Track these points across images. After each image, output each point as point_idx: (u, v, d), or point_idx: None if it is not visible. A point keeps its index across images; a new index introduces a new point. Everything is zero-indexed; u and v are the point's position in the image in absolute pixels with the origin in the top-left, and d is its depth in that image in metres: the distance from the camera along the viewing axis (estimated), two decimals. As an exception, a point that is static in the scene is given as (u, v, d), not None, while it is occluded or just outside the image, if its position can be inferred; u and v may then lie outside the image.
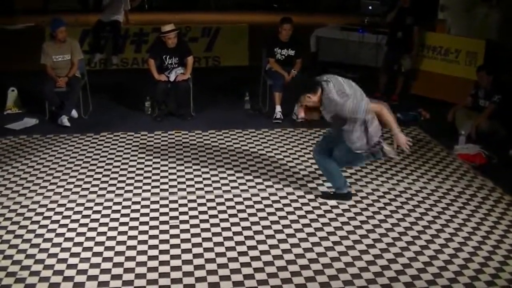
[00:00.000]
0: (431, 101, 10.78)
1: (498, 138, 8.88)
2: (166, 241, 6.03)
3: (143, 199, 6.98)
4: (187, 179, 7.55)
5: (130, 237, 6.09)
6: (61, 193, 7.10)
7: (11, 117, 9.84)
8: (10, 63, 12.44)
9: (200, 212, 6.65)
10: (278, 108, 9.89)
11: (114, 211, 6.65)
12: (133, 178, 7.57)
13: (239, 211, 6.71)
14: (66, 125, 9.37)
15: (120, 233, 6.18)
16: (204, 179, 7.57)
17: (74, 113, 9.80)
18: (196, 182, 7.46)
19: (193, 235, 6.14)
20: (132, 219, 6.48)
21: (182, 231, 6.23)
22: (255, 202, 6.92)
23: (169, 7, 18.57)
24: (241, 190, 7.25)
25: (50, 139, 8.88)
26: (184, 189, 7.25)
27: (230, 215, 6.59)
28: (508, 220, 6.65)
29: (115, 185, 7.36)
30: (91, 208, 6.71)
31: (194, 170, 7.84)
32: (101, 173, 7.71)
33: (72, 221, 6.40)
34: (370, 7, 13.65)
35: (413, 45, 11.08)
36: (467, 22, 12.27)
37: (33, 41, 11.65)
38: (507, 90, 9.27)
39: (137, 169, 7.86)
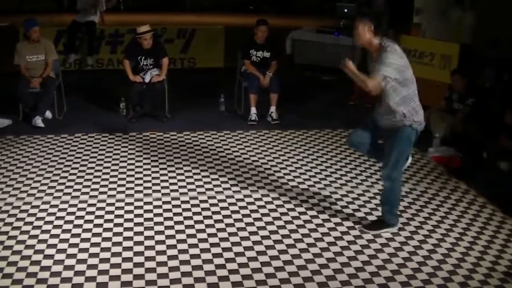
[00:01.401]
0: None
1: (472, 140, 8.94)
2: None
3: (117, 200, 6.94)
4: (161, 181, 7.52)
5: (104, 239, 6.05)
6: (34, 194, 7.04)
7: (-16, 118, 9.76)
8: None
9: (175, 214, 6.63)
10: (253, 110, 9.89)
11: (88, 213, 6.60)
12: (107, 179, 7.53)
13: (213, 212, 6.70)
14: (40, 126, 9.30)
15: (94, 234, 6.13)
16: (179, 180, 7.55)
17: (48, 114, 9.74)
18: (170, 184, 7.43)
19: (168, 237, 6.13)
20: (106, 220, 6.43)
21: (157, 232, 6.21)
22: (230, 204, 6.92)
23: (144, 8, 18.56)
24: (216, 192, 7.24)
25: (23, 140, 8.81)
26: (159, 191, 7.23)
27: (205, 217, 6.57)
28: (481, 222, 6.70)
29: (89, 186, 7.31)
30: (65, 209, 6.66)
31: (169, 171, 7.82)
32: (75, 174, 7.66)
33: (46, 222, 6.35)
34: (345, 10, 13.69)
35: None
36: (442, 25, 12.36)
37: (6, 42, 11.56)
38: (481, 93, 9.35)
39: (112, 170, 7.82)
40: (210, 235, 6.20)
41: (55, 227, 6.27)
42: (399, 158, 6.05)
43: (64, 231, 6.19)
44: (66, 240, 5.99)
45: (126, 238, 6.07)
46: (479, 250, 6.08)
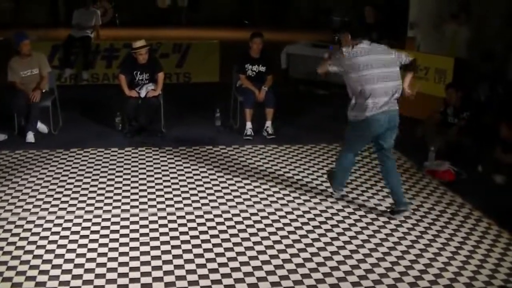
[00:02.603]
0: (400, 118, 10.83)
1: (467, 154, 8.96)
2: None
3: (113, 216, 6.92)
4: (157, 196, 7.51)
5: (100, 254, 6.03)
6: (30, 209, 7.01)
7: (-21, 133, 9.74)
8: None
9: (171, 229, 6.61)
10: (249, 125, 9.89)
11: (83, 228, 6.58)
12: (103, 195, 7.51)
13: (209, 227, 6.68)
14: (31, 141, 9.27)
15: (89, 250, 6.11)
16: (174, 195, 7.53)
17: (44, 128, 9.71)
18: (166, 199, 7.42)
19: (164, 252, 6.11)
20: (102, 236, 6.41)
21: (152, 247, 6.19)
22: (225, 219, 6.91)
23: (140, 23, 18.60)
24: (212, 207, 7.22)
25: (19, 155, 8.79)
26: (155, 206, 7.21)
27: (201, 232, 6.56)
28: (477, 235, 6.70)
29: (84, 201, 7.29)
30: (60, 225, 6.64)
31: (165, 186, 7.81)
32: (70, 189, 7.64)
33: (42, 237, 6.32)
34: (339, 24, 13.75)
35: None
36: (437, 39, 12.42)
37: (1, 56, 11.55)
38: (476, 107, 9.38)
39: (107, 185, 7.80)
40: (205, 250, 6.18)
41: (50, 242, 6.23)
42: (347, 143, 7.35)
43: (59, 246, 6.15)
44: (61, 256, 5.96)
45: (122, 253, 6.04)
46: (476, 264, 6.07)
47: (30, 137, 9.31)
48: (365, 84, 6.73)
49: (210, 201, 7.41)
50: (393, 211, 7.10)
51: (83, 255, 6.00)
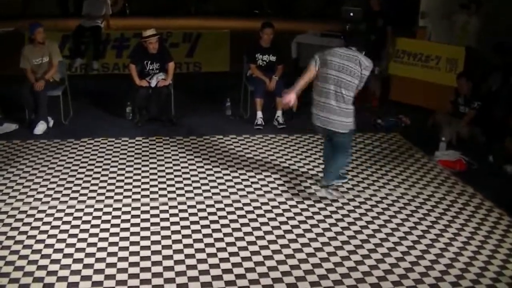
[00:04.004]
0: (411, 108, 10.85)
1: (478, 144, 8.94)
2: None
3: (124, 205, 6.94)
4: (168, 185, 7.52)
5: (111, 244, 6.05)
6: (41, 199, 7.04)
7: (-10, 123, 9.78)
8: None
9: (181, 218, 6.62)
10: (259, 114, 9.88)
11: (94, 217, 6.60)
12: (113, 184, 7.53)
13: (220, 217, 6.70)
14: (39, 133, 9.27)
15: (100, 239, 6.13)
16: (185, 185, 7.54)
17: (50, 121, 9.65)
18: (177, 188, 7.43)
19: (174, 242, 6.13)
20: (113, 225, 6.43)
21: (164, 237, 6.21)
22: (236, 208, 6.92)
23: (150, 12, 18.54)
24: (223, 196, 7.24)
25: (30, 144, 8.82)
26: (165, 195, 7.23)
27: (211, 221, 6.57)
28: (488, 226, 6.69)
29: (95, 191, 7.31)
30: (71, 214, 6.66)
31: (175, 176, 7.82)
32: (81, 179, 7.66)
33: (53, 227, 6.35)
34: (351, 14, 13.69)
35: (386, 44, 11.19)
36: (447, 29, 12.36)
37: (12, 46, 11.57)
38: (487, 97, 9.34)
39: (118, 175, 7.82)
40: (216, 239, 6.20)
41: (62, 231, 6.27)
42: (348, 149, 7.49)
43: (70, 235, 6.19)
44: (73, 245, 6.00)
45: (133, 243, 6.07)
46: (487, 254, 6.07)
47: (38, 128, 9.32)
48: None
49: (221, 190, 7.41)
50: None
51: (94, 244, 6.03)
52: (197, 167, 8.14)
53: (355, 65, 6.81)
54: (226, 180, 7.72)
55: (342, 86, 6.82)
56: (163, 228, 6.43)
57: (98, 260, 5.75)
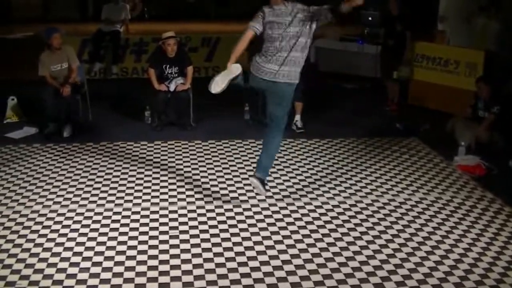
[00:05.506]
0: (430, 112, 10.81)
1: (497, 149, 8.89)
2: (162, 249, 6.03)
3: (142, 209, 6.96)
4: (186, 189, 7.54)
5: (129, 247, 6.07)
6: (60, 202, 7.09)
7: (10, 126, 9.85)
8: (10, 72, 12.46)
9: (200, 223, 6.64)
10: (278, 119, 9.86)
11: (113, 221, 6.63)
12: (132, 188, 7.56)
13: (238, 221, 6.70)
14: (67, 135, 9.37)
15: (119, 243, 6.16)
16: (204, 189, 7.56)
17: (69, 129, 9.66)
18: (196, 192, 7.45)
19: (193, 246, 6.14)
20: (132, 229, 6.46)
21: (182, 241, 6.22)
22: (255, 213, 6.92)
23: (169, 17, 18.64)
24: (241, 201, 7.25)
25: (50, 148, 8.88)
26: (184, 199, 7.24)
27: (230, 226, 6.58)
28: (508, 231, 6.63)
29: (114, 194, 7.35)
30: (90, 217, 6.70)
31: (194, 180, 7.84)
32: (100, 182, 7.70)
33: (72, 230, 6.39)
34: (370, 18, 13.67)
35: (405, 49, 11.14)
36: (467, 32, 12.30)
37: (32, 50, 11.63)
38: (506, 101, 9.29)
39: (137, 179, 7.85)
40: (223, 239, 6.26)
41: (81, 234, 6.31)
42: None
43: (89, 239, 6.23)
44: (92, 248, 6.04)
45: (152, 247, 6.10)
46: (507, 260, 6.02)
47: (67, 132, 9.41)
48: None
49: (239, 194, 7.42)
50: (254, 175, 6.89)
51: (113, 247, 6.06)
52: (216, 171, 8.16)
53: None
54: (245, 184, 7.72)
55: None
56: (171, 228, 6.51)
57: (127, 268, 5.79)
